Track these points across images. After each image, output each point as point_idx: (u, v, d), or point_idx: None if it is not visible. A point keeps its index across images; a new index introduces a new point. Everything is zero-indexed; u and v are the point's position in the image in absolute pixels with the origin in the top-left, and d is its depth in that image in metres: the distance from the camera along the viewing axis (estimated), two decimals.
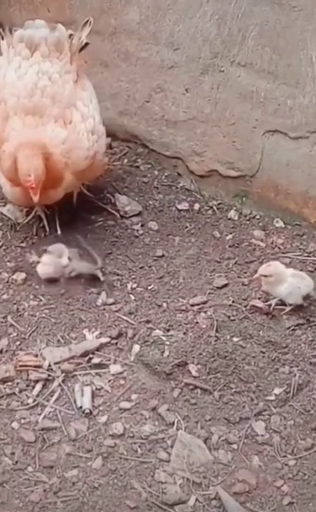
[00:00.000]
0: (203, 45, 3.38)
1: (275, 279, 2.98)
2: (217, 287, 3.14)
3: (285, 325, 2.96)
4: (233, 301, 3.05)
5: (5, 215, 3.44)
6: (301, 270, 3.16)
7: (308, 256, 3.30)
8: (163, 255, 3.30)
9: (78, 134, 3.14)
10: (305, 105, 3.22)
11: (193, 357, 2.81)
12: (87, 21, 3.25)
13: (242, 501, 2.42)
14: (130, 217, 3.49)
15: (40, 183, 2.94)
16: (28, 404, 2.68)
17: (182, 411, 2.67)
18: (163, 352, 2.83)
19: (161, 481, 2.47)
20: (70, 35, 3.22)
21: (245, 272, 3.21)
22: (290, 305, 3.00)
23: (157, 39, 3.51)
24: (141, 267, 3.24)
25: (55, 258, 3.12)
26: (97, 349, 2.86)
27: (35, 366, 2.79)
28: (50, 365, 2.79)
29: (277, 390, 2.74)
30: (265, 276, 2.98)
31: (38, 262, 3.13)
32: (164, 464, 2.52)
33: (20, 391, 2.72)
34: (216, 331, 2.91)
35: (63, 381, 2.75)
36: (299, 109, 3.24)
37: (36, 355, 2.83)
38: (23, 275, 3.15)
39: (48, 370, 2.78)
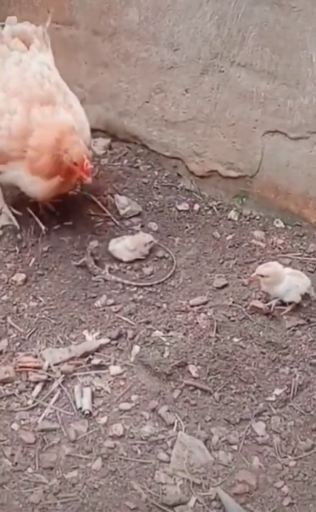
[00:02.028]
0: (202, 46, 3.38)
1: (272, 279, 2.98)
2: (217, 288, 3.14)
3: (285, 325, 2.96)
4: (233, 302, 3.05)
5: None
6: (301, 270, 3.16)
7: (308, 256, 3.30)
8: (163, 256, 3.30)
9: (81, 115, 3.22)
10: (305, 105, 3.22)
11: (194, 358, 2.81)
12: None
13: (242, 502, 2.41)
14: (130, 217, 3.49)
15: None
16: (27, 405, 2.68)
17: (182, 412, 2.67)
18: (163, 353, 2.83)
19: (161, 482, 2.46)
20: None
21: (246, 273, 3.21)
22: (289, 303, 2.99)
23: (157, 40, 3.51)
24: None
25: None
26: (97, 350, 2.86)
27: (34, 367, 2.78)
28: (49, 366, 2.79)
29: (277, 391, 2.74)
30: (263, 276, 2.98)
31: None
32: (164, 464, 2.51)
33: (20, 392, 2.72)
34: (216, 331, 2.91)
35: (63, 382, 2.75)
36: (299, 109, 3.24)
37: (36, 356, 2.83)
38: (22, 276, 3.15)
39: (47, 371, 2.78)
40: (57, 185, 3.12)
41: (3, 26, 3.26)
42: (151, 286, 3.13)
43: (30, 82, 3.13)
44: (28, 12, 3.94)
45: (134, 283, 3.13)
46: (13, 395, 2.71)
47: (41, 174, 3.07)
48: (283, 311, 3.00)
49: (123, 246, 3.23)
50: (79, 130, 3.12)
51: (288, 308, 3.00)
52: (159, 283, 3.14)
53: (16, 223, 3.34)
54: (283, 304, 3.01)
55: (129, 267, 3.24)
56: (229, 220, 3.51)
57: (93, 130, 3.84)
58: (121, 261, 3.25)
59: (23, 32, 3.26)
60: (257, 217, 3.52)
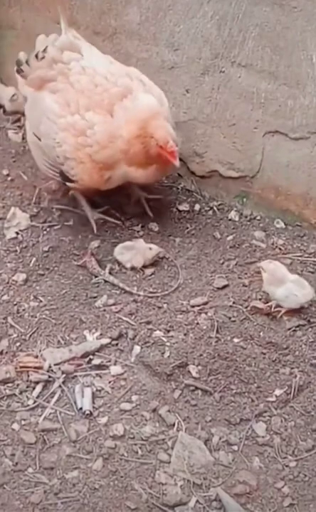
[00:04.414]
0: (203, 46, 3.38)
1: (269, 277, 2.98)
2: (217, 288, 3.13)
3: (286, 326, 2.96)
4: (233, 302, 3.05)
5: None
6: (302, 271, 3.16)
7: (309, 257, 3.30)
8: (164, 256, 3.29)
9: (155, 88, 3.26)
10: (306, 106, 3.22)
11: (194, 358, 2.81)
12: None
13: (242, 503, 2.42)
14: (131, 218, 3.49)
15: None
16: (28, 405, 2.68)
17: (183, 412, 2.67)
18: (163, 353, 2.83)
19: (161, 483, 2.46)
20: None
21: (246, 273, 3.20)
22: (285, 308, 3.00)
23: (157, 40, 3.50)
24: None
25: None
26: (98, 350, 2.86)
27: (35, 367, 2.78)
28: (50, 366, 2.79)
29: (277, 391, 2.74)
30: (262, 270, 2.99)
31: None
32: (165, 465, 2.52)
33: (21, 392, 2.72)
34: (217, 331, 2.91)
35: (64, 382, 2.75)
36: (300, 109, 3.24)
37: (36, 356, 2.83)
38: (23, 276, 3.15)
39: (48, 371, 2.78)
40: (155, 172, 3.19)
41: (45, 49, 3.22)
42: (153, 293, 3.11)
43: (105, 86, 3.15)
44: (28, 12, 3.94)
45: (134, 290, 3.11)
46: (14, 394, 2.71)
47: (136, 164, 3.13)
48: (283, 311, 3.00)
49: (128, 260, 3.22)
50: (159, 101, 3.19)
51: (284, 310, 2.99)
52: (162, 291, 3.13)
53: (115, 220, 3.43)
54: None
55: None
56: (230, 220, 3.51)
57: None
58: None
59: (69, 43, 3.25)
60: (258, 218, 3.52)
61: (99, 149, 3.11)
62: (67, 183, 3.30)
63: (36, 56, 3.23)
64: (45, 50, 3.22)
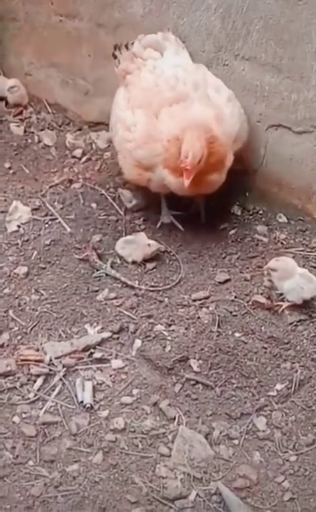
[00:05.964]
0: (207, 39, 3.36)
1: (280, 274, 2.98)
2: (219, 282, 3.13)
3: (287, 320, 2.95)
4: (235, 297, 3.04)
5: None
6: (304, 265, 3.15)
7: (311, 251, 3.29)
8: (166, 250, 3.29)
9: (221, 107, 3.22)
10: (310, 99, 3.20)
11: (195, 352, 2.80)
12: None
13: (243, 497, 2.42)
14: (133, 211, 3.48)
15: (195, 167, 2.98)
16: (29, 398, 2.68)
17: (183, 406, 2.67)
18: (164, 347, 2.83)
19: (162, 476, 2.46)
20: None
21: (248, 267, 3.20)
22: (289, 301, 2.98)
23: None
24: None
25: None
26: (99, 344, 2.86)
27: (36, 360, 2.79)
28: (51, 360, 2.79)
29: (278, 386, 2.73)
30: (272, 270, 2.98)
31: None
32: (165, 458, 2.52)
33: (22, 385, 2.72)
34: (218, 326, 2.91)
35: (64, 376, 2.75)
36: (304, 103, 3.22)
37: (37, 350, 2.83)
38: (24, 269, 3.15)
39: (49, 364, 2.78)
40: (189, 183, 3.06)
41: (133, 43, 3.35)
42: (154, 287, 3.11)
43: (162, 88, 3.21)
44: (31, 4, 3.93)
45: (136, 284, 3.11)
46: (15, 388, 2.71)
47: (170, 168, 3.12)
48: (285, 305, 2.99)
49: (129, 254, 3.21)
50: (216, 120, 3.15)
51: (286, 304, 2.99)
52: (164, 285, 3.12)
53: (179, 225, 3.41)
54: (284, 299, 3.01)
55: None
56: (232, 214, 3.50)
57: (96, 123, 3.84)
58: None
59: (155, 41, 3.35)
60: (260, 212, 3.50)
61: (136, 147, 3.19)
62: None
63: (126, 46, 3.38)
64: (133, 43, 3.34)
